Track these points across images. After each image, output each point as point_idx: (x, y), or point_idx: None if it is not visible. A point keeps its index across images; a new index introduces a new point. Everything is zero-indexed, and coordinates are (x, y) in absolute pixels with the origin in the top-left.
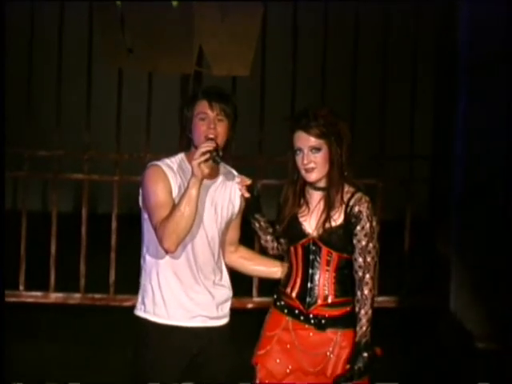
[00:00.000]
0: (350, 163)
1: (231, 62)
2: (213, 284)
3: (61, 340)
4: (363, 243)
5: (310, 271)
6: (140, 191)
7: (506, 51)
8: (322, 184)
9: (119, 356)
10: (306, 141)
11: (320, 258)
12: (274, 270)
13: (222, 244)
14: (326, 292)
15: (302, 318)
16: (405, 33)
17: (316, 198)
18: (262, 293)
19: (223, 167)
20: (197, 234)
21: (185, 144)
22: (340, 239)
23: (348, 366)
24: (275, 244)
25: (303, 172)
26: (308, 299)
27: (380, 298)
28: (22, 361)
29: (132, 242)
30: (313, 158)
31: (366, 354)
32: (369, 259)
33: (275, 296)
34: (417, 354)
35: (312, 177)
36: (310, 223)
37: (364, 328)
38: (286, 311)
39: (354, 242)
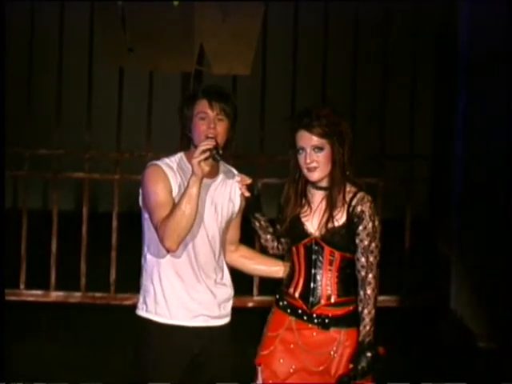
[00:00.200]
0: (352, 163)
1: (232, 61)
2: (214, 283)
3: (61, 339)
4: (366, 243)
5: (313, 271)
6: (140, 191)
7: (506, 51)
8: (324, 183)
9: (120, 355)
10: (308, 140)
11: (322, 257)
12: (274, 269)
13: (223, 243)
14: (329, 292)
15: (305, 317)
16: (405, 33)
17: (318, 197)
18: (262, 291)
19: (223, 166)
20: (197, 233)
21: (185, 143)
22: (343, 239)
23: (351, 366)
24: (275, 243)
25: (305, 171)
26: (311, 299)
27: (380, 298)
28: (22, 360)
29: (132, 241)
30: (315, 157)
31: (369, 354)
32: (371, 259)
33: (277, 296)
34: (417, 354)
35: (314, 176)
36: (313, 223)
37: (367, 327)
38: (289, 311)
39: (357, 241)
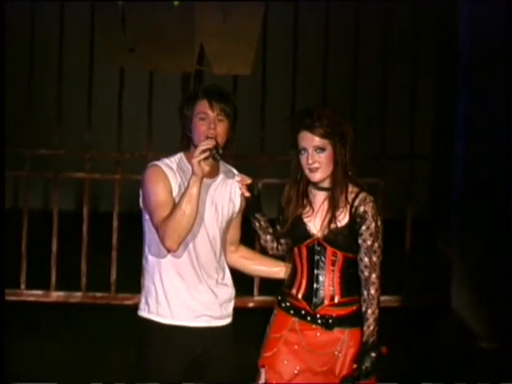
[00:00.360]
0: (354, 163)
1: (232, 61)
2: (216, 283)
3: (62, 339)
4: (369, 243)
5: (316, 272)
6: (140, 192)
7: (506, 51)
8: (326, 184)
9: (120, 355)
10: (310, 140)
11: (325, 258)
12: (275, 269)
13: (223, 243)
14: (332, 292)
15: (308, 318)
16: (405, 33)
17: (320, 198)
18: (263, 292)
19: (223, 166)
20: (198, 233)
21: (185, 143)
22: (345, 239)
23: (355, 366)
24: (275, 244)
25: (307, 172)
26: (314, 300)
27: (381, 298)
28: (22, 360)
29: (133, 241)
30: (317, 157)
31: (373, 354)
32: (374, 259)
33: (279, 297)
34: (417, 354)
35: (316, 177)
36: (315, 224)
37: (371, 327)
38: (291, 312)
39: (360, 241)
